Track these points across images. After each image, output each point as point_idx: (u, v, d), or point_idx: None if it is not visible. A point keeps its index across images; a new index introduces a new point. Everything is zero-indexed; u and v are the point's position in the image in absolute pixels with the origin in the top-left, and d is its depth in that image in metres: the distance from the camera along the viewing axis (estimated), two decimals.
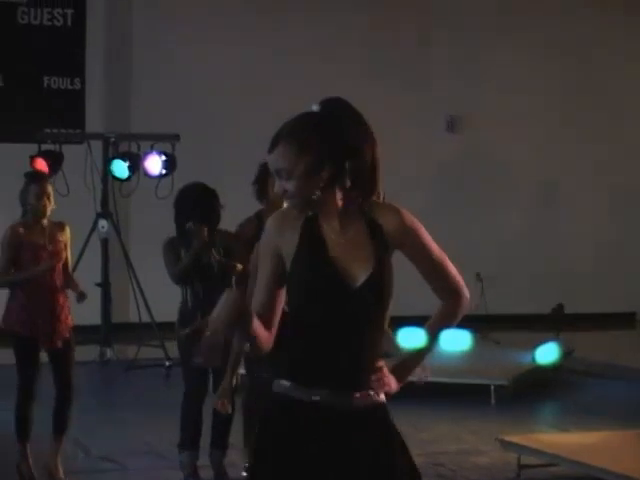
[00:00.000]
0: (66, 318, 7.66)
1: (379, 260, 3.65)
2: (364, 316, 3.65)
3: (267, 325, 3.65)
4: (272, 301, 3.68)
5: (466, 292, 3.84)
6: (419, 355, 3.90)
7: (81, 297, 7.74)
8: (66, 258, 7.76)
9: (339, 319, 3.62)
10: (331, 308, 3.62)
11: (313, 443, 3.62)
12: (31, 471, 7.64)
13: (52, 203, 7.64)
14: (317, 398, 3.61)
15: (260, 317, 3.62)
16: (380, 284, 3.66)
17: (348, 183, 3.62)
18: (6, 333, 7.57)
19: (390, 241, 3.69)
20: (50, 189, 7.67)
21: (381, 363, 3.72)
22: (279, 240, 3.66)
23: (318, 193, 3.61)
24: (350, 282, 3.62)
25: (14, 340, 7.53)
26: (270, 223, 3.72)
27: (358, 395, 3.65)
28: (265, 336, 3.63)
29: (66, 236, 7.80)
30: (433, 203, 14.86)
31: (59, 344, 7.59)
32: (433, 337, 3.85)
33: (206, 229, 7.76)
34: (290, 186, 3.62)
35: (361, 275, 3.63)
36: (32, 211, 7.60)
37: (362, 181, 3.65)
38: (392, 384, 3.73)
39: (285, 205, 3.72)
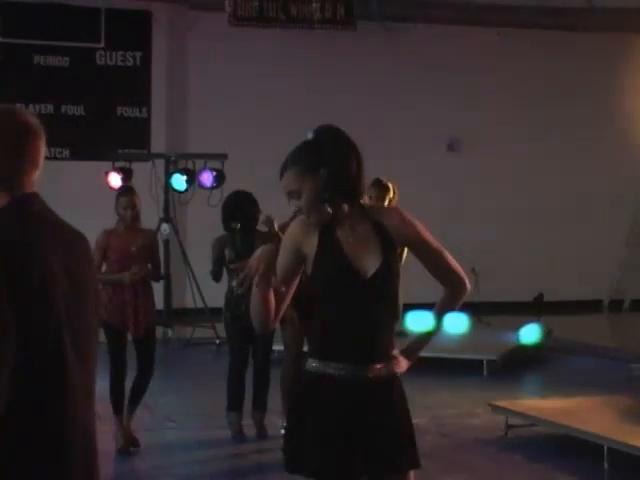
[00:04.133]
0: (149, 309, 7.53)
1: (385, 254, 3.64)
2: (376, 302, 3.63)
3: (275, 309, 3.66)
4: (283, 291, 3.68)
5: (465, 279, 3.80)
6: (426, 337, 3.88)
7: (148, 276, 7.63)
8: (153, 258, 7.62)
9: (355, 305, 3.61)
10: (348, 296, 3.61)
11: (339, 408, 3.61)
12: (124, 438, 7.49)
13: (138, 212, 7.50)
14: (342, 372, 3.60)
15: None
16: (388, 275, 3.64)
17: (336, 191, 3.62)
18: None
19: (394, 237, 3.66)
20: (136, 201, 7.52)
21: (395, 352, 3.71)
22: (302, 240, 3.65)
23: (329, 209, 3.61)
24: (362, 274, 3.60)
25: (104, 327, 7.29)
26: (294, 225, 3.72)
27: (374, 368, 3.63)
28: (272, 315, 3.63)
29: (152, 241, 7.70)
30: (436, 210, 14.83)
31: (142, 332, 7.47)
32: (438, 321, 3.84)
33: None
34: (302, 203, 3.62)
35: (371, 268, 3.61)
36: (121, 220, 7.51)
37: (347, 190, 3.64)
38: (403, 364, 3.72)
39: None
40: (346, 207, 3.64)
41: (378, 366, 3.63)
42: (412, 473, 3.70)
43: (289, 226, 3.76)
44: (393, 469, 3.66)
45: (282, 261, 3.66)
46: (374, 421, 3.63)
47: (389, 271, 3.64)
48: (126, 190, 7.90)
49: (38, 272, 2.46)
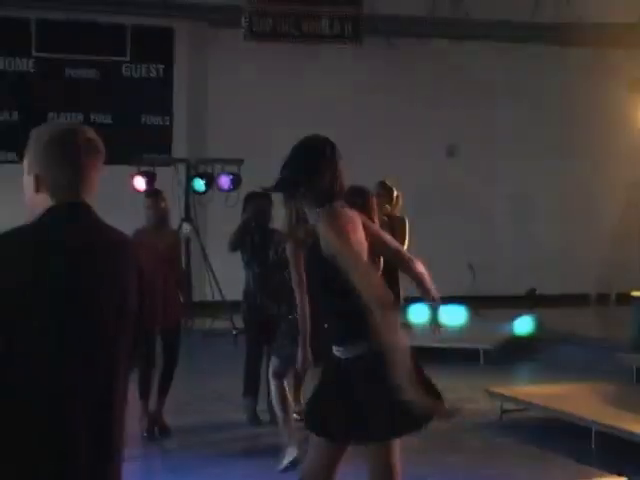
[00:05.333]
0: (175, 303, 7.46)
1: (324, 260, 3.72)
2: (325, 295, 3.88)
3: None
4: None
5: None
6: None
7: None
8: (178, 257, 7.61)
9: (318, 301, 4.04)
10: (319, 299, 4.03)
11: (333, 384, 3.96)
12: (150, 423, 7.49)
13: (164, 213, 7.44)
14: (334, 354, 3.90)
15: None
16: (327, 278, 3.78)
17: (310, 199, 3.76)
18: None
19: (324, 246, 3.72)
20: (160, 203, 7.42)
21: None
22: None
23: (303, 208, 3.79)
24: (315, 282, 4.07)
25: None
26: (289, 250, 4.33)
27: (340, 349, 3.87)
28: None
29: (175, 242, 7.66)
30: (437, 211, 14.85)
31: (169, 324, 7.39)
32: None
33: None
34: (282, 225, 4.02)
35: (319, 273, 3.86)
36: (146, 220, 7.46)
37: (320, 198, 3.73)
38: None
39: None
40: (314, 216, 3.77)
41: (341, 349, 3.85)
42: (397, 443, 3.88)
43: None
44: (364, 438, 3.83)
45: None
46: (351, 395, 3.82)
47: (326, 276, 3.75)
48: (151, 192, 7.96)
49: (29, 272, 2.45)
